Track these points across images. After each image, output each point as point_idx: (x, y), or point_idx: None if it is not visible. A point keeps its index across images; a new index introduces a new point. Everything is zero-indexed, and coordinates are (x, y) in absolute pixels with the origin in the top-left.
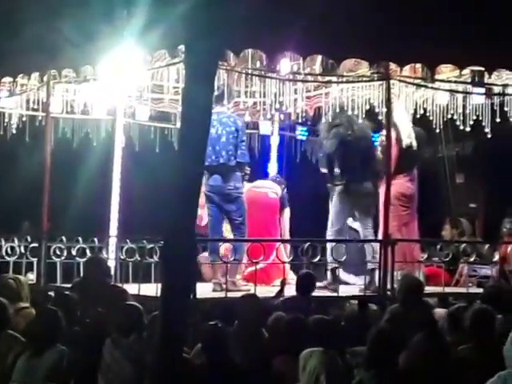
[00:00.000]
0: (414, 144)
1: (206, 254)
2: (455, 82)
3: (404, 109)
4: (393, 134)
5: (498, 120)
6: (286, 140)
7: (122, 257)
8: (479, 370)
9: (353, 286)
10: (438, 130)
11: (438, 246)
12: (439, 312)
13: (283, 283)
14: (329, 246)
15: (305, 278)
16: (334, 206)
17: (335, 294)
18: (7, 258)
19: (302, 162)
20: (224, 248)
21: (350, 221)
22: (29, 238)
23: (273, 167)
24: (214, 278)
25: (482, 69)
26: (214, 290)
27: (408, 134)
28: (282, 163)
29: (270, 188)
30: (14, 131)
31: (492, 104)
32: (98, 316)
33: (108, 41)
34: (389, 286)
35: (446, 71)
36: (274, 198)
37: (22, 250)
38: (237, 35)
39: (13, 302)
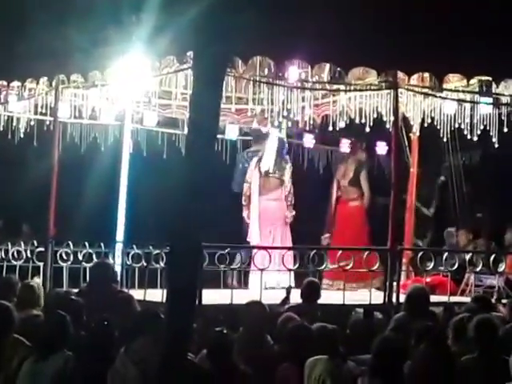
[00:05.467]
0: (275, 174)
1: None
2: (463, 91)
3: (276, 138)
4: (256, 159)
5: (505, 130)
6: (293, 147)
7: (128, 262)
8: (483, 379)
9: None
10: (445, 140)
11: (444, 255)
12: None
13: (289, 290)
14: None
15: (309, 286)
16: None
17: (340, 302)
18: (14, 262)
19: (309, 170)
20: None
21: None
22: (35, 243)
23: None
24: None
25: (490, 78)
26: None
27: (267, 162)
28: None
29: None
30: (22, 135)
31: (500, 114)
32: (103, 321)
33: (116, 46)
34: (394, 295)
35: (453, 80)
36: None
37: (29, 255)
38: (245, 42)
39: (28, 307)
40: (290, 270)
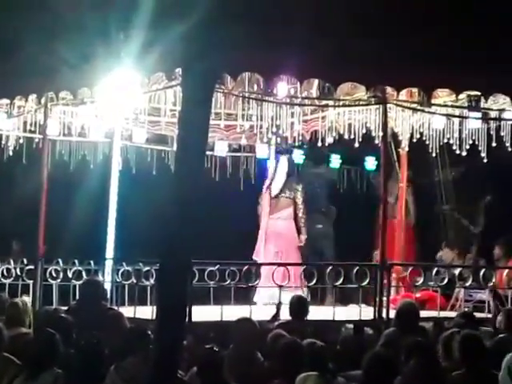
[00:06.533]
0: (286, 194)
1: None
2: (451, 106)
3: (286, 163)
4: (267, 182)
5: (494, 144)
6: None
7: (118, 279)
8: None
9: None
10: (434, 155)
11: (434, 270)
12: None
13: (279, 307)
14: None
15: (297, 302)
16: None
17: (330, 318)
18: (3, 280)
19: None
20: None
21: None
22: (25, 261)
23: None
24: None
25: (479, 93)
26: None
27: (279, 186)
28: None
29: None
30: (11, 153)
31: (488, 128)
32: (93, 339)
33: (105, 63)
34: (384, 310)
35: (442, 95)
36: None
37: (18, 272)
38: (234, 58)
39: (15, 325)
40: (280, 286)
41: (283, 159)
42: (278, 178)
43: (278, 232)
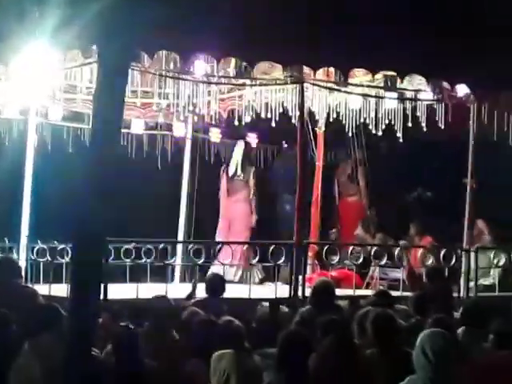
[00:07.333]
0: (239, 173)
1: None
2: (368, 86)
3: (242, 144)
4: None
5: (409, 124)
6: (199, 142)
7: (32, 257)
8: (386, 372)
9: None
10: (350, 134)
11: (350, 249)
12: None
13: (195, 285)
14: None
15: (214, 280)
16: None
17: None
18: None
19: (216, 164)
20: None
21: None
22: None
23: (186, 169)
24: None
25: (395, 74)
26: None
27: (235, 165)
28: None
29: None
30: None
31: (404, 109)
32: (5, 316)
33: (20, 40)
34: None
35: (359, 75)
36: None
37: None
38: (150, 36)
39: None
40: (197, 264)
41: (240, 143)
42: (233, 159)
43: (234, 213)
